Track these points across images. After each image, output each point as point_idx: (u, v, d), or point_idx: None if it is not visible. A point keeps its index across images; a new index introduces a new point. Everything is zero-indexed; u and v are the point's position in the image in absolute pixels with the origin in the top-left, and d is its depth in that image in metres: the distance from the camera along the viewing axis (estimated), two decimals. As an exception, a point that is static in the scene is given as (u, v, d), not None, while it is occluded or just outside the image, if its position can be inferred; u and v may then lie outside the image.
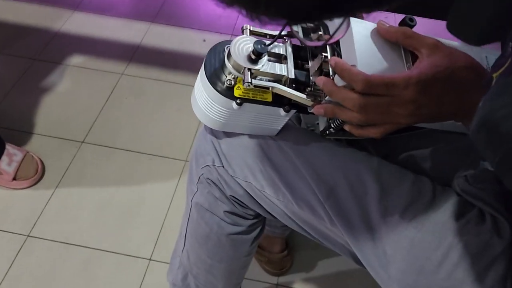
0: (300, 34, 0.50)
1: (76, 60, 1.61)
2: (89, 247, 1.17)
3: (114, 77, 1.57)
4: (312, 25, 0.53)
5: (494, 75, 0.42)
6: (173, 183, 1.31)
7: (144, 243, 1.18)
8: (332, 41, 0.54)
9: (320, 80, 0.54)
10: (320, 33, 0.51)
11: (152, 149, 1.38)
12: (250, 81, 0.55)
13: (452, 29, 0.44)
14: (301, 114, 0.73)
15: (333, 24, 0.56)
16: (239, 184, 0.67)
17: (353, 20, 0.57)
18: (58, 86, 1.52)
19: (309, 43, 0.55)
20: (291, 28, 0.45)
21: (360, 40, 0.55)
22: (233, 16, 1.83)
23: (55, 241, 1.17)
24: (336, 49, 0.57)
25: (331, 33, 0.52)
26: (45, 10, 1.77)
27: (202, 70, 0.60)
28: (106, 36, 1.71)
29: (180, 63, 1.62)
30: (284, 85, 0.58)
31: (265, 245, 1.12)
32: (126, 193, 1.28)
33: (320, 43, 0.53)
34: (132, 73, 1.59)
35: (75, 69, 1.58)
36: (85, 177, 1.30)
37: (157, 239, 1.19)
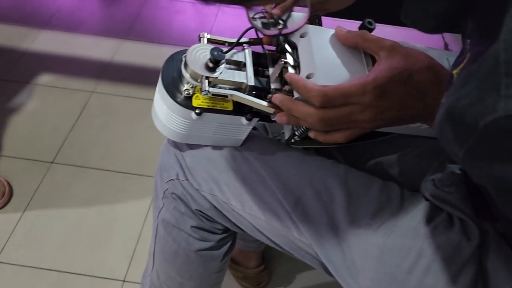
0: (259, 25, 0.51)
1: (45, 79, 1.57)
2: (59, 271, 1.12)
3: (85, 95, 1.53)
4: (272, 20, 0.55)
5: (455, 72, 0.41)
6: (147, 200, 1.27)
7: (117, 263, 1.15)
8: (288, 31, 0.55)
9: (277, 98, 0.53)
10: (279, 27, 0.52)
11: (125, 167, 1.35)
12: (207, 89, 0.53)
13: (407, 18, 0.43)
14: (266, 124, 0.72)
15: (292, 20, 0.56)
16: (204, 197, 0.65)
17: (311, 27, 0.56)
18: (26, 106, 1.49)
19: (266, 32, 0.55)
20: (249, 18, 0.45)
21: (319, 47, 0.54)
22: (206, 30, 1.82)
23: (24, 266, 1.13)
24: (295, 57, 0.55)
25: (289, 26, 0.54)
26: (12, 30, 1.74)
27: (159, 81, 0.58)
28: (76, 54, 1.68)
29: (153, 79, 1.57)
30: (244, 93, 0.56)
31: (240, 260, 1.09)
32: (98, 213, 1.24)
33: (275, 32, 0.53)
34: (103, 90, 1.56)
35: (44, 88, 1.55)
36: (55, 199, 1.26)
37: (131, 259, 1.16)
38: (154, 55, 1.69)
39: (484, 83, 0.31)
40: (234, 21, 1.86)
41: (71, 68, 1.62)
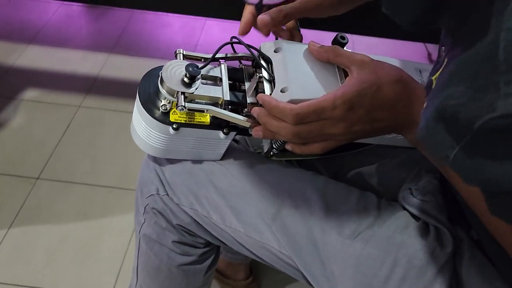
0: None
1: (31, 94, 1.57)
2: (45, 288, 1.11)
3: (71, 110, 1.54)
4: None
5: (433, 77, 0.42)
6: (133, 215, 1.26)
7: (104, 279, 1.14)
8: (270, 2, 0.55)
9: (255, 111, 0.54)
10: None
11: (112, 181, 1.35)
12: (183, 105, 0.54)
13: (387, 8, 0.42)
14: (246, 137, 0.72)
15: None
16: (185, 212, 0.65)
17: (285, 42, 0.57)
18: (11, 122, 1.48)
19: (249, 0, 0.55)
20: None
21: (293, 62, 0.55)
22: (192, 43, 1.83)
23: (7, 284, 1.11)
24: (270, 71, 0.56)
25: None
26: (-3, 46, 1.74)
27: (137, 97, 0.58)
28: (63, 69, 1.68)
29: (139, 92, 1.59)
30: (221, 108, 0.57)
31: (228, 273, 1.09)
32: (85, 228, 1.23)
33: (256, 1, 0.54)
34: (90, 105, 1.56)
35: (30, 103, 1.54)
36: (40, 215, 1.25)
37: (118, 274, 1.15)
38: (141, 69, 1.69)
39: (477, 82, 0.30)
40: (220, 35, 1.87)
41: (58, 83, 1.62)
